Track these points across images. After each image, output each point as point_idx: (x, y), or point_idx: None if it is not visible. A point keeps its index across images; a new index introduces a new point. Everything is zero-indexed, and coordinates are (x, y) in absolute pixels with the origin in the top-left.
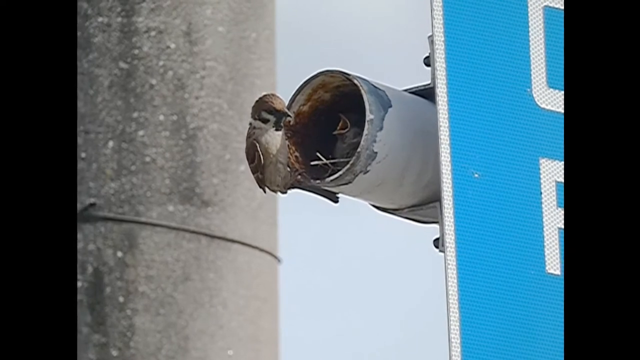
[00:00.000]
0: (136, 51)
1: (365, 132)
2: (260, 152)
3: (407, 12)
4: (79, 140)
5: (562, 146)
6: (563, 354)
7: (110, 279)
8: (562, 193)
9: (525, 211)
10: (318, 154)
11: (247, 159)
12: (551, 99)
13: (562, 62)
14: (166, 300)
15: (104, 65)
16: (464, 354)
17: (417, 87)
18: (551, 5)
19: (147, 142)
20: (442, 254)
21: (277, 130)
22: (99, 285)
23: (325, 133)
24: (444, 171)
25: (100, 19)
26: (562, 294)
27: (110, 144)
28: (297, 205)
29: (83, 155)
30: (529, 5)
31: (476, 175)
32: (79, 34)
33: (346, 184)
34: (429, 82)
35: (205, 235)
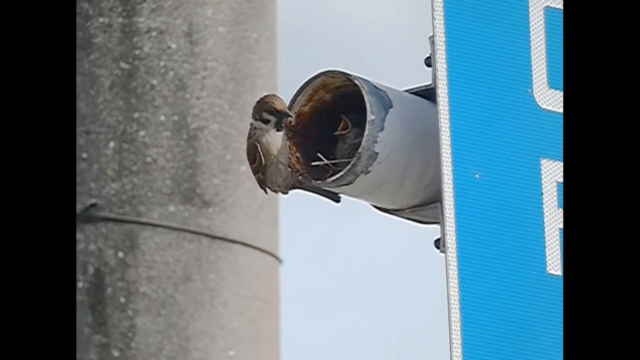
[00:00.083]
0: (137, 51)
1: (366, 132)
2: (261, 153)
3: (408, 13)
4: (80, 141)
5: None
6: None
7: (111, 280)
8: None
9: (526, 212)
10: (319, 155)
11: (248, 159)
12: (552, 100)
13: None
14: (167, 300)
15: (105, 65)
16: (464, 354)
17: (418, 87)
18: (552, 5)
19: (148, 142)
20: (443, 254)
21: (278, 130)
22: (100, 286)
23: (326, 133)
24: (445, 172)
25: (101, 20)
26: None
27: (112, 144)
28: (298, 206)
29: (84, 155)
30: (529, 5)
31: (477, 176)
32: (80, 34)
33: (347, 184)
34: (430, 82)
35: (206, 235)
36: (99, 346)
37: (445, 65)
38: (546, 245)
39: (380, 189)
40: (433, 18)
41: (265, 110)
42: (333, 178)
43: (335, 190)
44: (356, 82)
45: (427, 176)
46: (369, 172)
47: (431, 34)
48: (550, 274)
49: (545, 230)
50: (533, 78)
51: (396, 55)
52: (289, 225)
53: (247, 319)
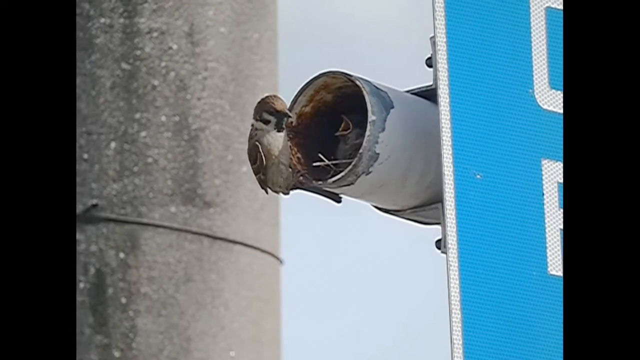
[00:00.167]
0: (138, 52)
1: (367, 133)
2: (262, 153)
3: (409, 13)
4: (82, 142)
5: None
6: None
7: (112, 280)
8: None
9: (527, 212)
10: (320, 155)
11: (249, 160)
12: (553, 100)
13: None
14: (168, 301)
15: (106, 66)
16: (465, 355)
17: (419, 88)
18: (553, 6)
19: (150, 143)
20: (444, 255)
21: (278, 131)
22: (101, 287)
23: (327, 134)
24: (446, 172)
25: (102, 20)
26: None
27: (113, 145)
28: (299, 206)
29: (85, 156)
30: (530, 6)
31: (478, 177)
32: (81, 35)
33: (348, 185)
34: (431, 83)
35: (208, 236)
36: (100, 347)
37: (446, 66)
38: (547, 245)
39: (381, 190)
40: (434, 18)
41: (265, 110)
42: (334, 179)
43: (336, 190)
44: (357, 82)
45: (428, 177)
46: (370, 172)
47: (432, 34)
48: (551, 274)
49: (547, 230)
50: (534, 78)
51: (397, 55)
52: (290, 225)
53: (248, 319)
